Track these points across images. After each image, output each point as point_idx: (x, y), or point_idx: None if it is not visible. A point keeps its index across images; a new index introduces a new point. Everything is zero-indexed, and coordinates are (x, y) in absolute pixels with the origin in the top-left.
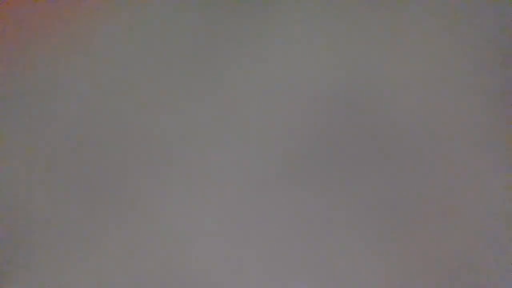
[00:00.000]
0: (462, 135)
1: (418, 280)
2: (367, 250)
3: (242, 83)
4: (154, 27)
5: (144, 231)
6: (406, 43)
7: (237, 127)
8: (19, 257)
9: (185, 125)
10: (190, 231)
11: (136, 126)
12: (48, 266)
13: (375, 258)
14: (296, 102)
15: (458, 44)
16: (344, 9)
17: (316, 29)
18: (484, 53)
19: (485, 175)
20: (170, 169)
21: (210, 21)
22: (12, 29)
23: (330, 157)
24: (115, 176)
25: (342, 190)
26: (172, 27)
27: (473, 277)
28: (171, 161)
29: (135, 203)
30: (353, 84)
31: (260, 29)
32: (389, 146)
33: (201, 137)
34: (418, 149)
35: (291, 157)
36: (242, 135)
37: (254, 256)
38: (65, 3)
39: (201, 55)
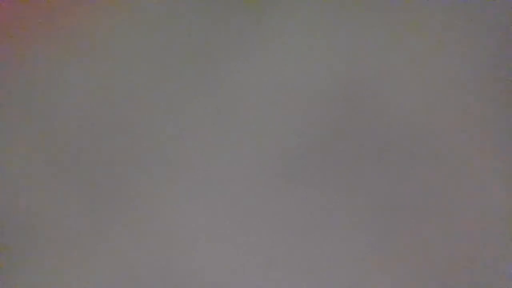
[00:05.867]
0: (462, 135)
1: (418, 279)
2: (367, 249)
3: (242, 83)
4: (154, 28)
5: (144, 230)
6: (406, 42)
7: (237, 126)
8: (19, 256)
9: (185, 125)
10: (190, 231)
11: (136, 126)
12: (48, 265)
13: (375, 257)
14: (296, 101)
15: (458, 43)
16: (344, 9)
17: (316, 28)
18: (484, 53)
19: (485, 174)
20: (170, 169)
21: (210, 22)
22: (12, 29)
23: (330, 156)
24: (115, 176)
25: (342, 189)
26: (172, 27)
27: (473, 277)
28: (171, 160)
29: (135, 203)
30: (353, 84)
31: (259, 29)
32: (389, 145)
33: (201, 137)
34: (418, 148)
35: (291, 157)
36: (242, 134)
37: (254, 256)
38: (65, 3)
39: (201, 55)
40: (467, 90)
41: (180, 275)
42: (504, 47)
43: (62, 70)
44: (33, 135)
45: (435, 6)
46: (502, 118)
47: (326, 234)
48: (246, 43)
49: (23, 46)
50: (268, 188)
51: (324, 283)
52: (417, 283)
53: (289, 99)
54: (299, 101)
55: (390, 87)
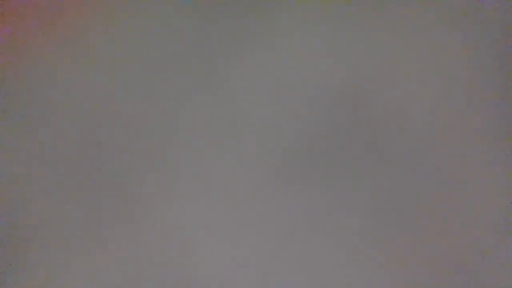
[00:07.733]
0: (462, 135)
1: (419, 279)
2: (367, 250)
3: (243, 84)
4: (155, 27)
5: (145, 230)
6: (407, 43)
7: (238, 127)
8: (19, 257)
9: (185, 125)
10: (190, 231)
11: (136, 126)
12: (47, 266)
13: (376, 257)
14: (297, 101)
15: (458, 43)
16: (344, 10)
17: (317, 29)
18: (484, 53)
19: (486, 175)
20: (170, 169)
21: (211, 23)
22: (12, 29)
23: (331, 157)
24: (115, 176)
25: (343, 190)
26: (173, 27)
27: (472, 277)
28: (172, 161)
29: (135, 203)
30: (353, 84)
31: (260, 30)
32: (390, 146)
33: (202, 137)
34: (419, 148)
35: (292, 157)
36: (242, 135)
37: (254, 256)
38: (65, 3)
39: (202, 56)
40: (468, 91)
41: (180, 275)
42: (504, 47)
43: (62, 71)
44: (33, 135)
45: (436, 6)
46: (503, 118)
47: (327, 234)
48: (247, 44)
49: (23, 48)
50: (268, 188)
51: (325, 283)
52: (417, 283)
53: (290, 99)
54: (300, 102)
55: (391, 88)
